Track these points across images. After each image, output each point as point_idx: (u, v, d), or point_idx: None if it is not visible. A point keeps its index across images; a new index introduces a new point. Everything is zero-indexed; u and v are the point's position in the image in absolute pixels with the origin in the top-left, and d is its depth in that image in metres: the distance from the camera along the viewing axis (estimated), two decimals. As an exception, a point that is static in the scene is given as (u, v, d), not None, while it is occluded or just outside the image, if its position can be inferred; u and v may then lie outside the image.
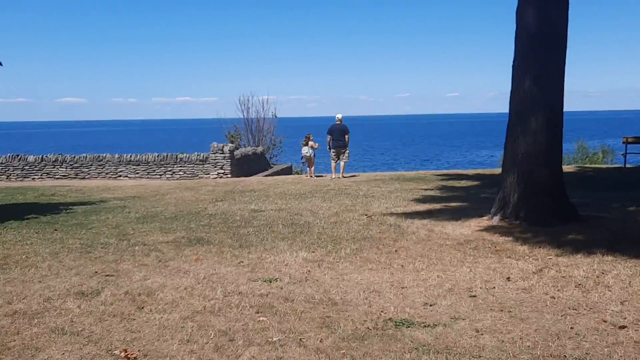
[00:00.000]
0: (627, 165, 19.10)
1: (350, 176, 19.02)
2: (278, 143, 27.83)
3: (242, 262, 7.61)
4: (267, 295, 6.13)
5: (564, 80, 9.58)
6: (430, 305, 5.76)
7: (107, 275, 6.96)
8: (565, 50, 9.52)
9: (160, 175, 21.58)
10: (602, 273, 6.67)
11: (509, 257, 7.55)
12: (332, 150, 18.78)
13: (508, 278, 6.58)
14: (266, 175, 22.37)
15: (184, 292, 6.24)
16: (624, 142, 18.91)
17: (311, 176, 19.29)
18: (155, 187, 17.52)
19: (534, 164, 9.38)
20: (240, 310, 5.65)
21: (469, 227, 9.38)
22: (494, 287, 6.30)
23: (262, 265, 7.40)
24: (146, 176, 21.60)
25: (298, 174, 26.91)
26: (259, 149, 25.10)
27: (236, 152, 22.20)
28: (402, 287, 6.36)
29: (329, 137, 18.79)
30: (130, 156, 21.90)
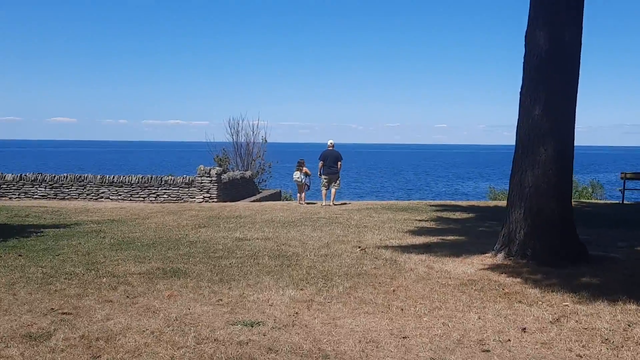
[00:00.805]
0: (625, 202, 18.39)
1: (341, 204, 18.18)
2: (267, 168, 26.98)
3: (221, 300, 6.70)
4: (247, 343, 5.23)
5: (575, 108, 8.84)
6: (438, 362, 4.89)
7: (64, 314, 6.03)
8: (578, 75, 8.79)
9: (144, 198, 20.64)
10: (629, 325, 5.83)
11: (520, 302, 6.70)
12: (323, 176, 17.95)
13: (524, 329, 5.72)
14: (254, 201, 21.48)
15: (149, 337, 5.33)
16: (622, 178, 18.24)
17: (301, 203, 18.44)
18: (137, 210, 16.59)
19: (543, 198, 8.58)
20: (214, 363, 4.75)
21: (472, 265, 8.53)
22: (509, 340, 5.43)
23: (243, 305, 6.49)
24: (129, 198, 20.65)
25: (287, 199, 26.06)
26: (248, 173, 24.24)
27: (223, 176, 21.32)
28: (404, 337, 5.47)
29: (320, 163, 17.98)
30: (113, 177, 20.97)
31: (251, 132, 26.97)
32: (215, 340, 5.29)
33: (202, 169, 20.53)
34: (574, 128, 8.83)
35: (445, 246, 10.13)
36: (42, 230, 12.25)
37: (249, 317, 6.02)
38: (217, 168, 20.93)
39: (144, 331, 5.50)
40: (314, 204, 18.68)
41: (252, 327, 5.70)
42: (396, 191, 58.21)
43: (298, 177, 18.66)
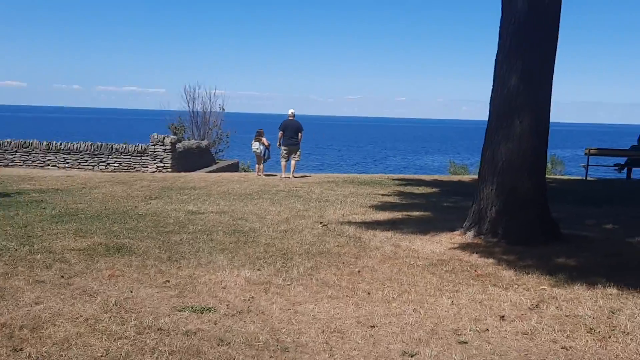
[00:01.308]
0: (589, 178, 18.22)
1: (301, 176, 17.54)
2: (225, 137, 26.07)
3: (169, 281, 6.05)
4: (195, 333, 4.61)
5: (552, 78, 8.35)
6: (411, 357, 4.36)
7: (-14, 297, 5.32)
8: (557, 42, 8.29)
9: (93, 166, 19.68)
10: (613, 313, 5.39)
11: (495, 285, 6.22)
12: (283, 147, 17.27)
13: (502, 317, 5.23)
14: (210, 171, 20.72)
15: (83, 326, 4.66)
16: (586, 154, 18.02)
17: (260, 174, 17.74)
18: (85, 179, 15.69)
19: (517, 174, 8.11)
20: (156, 359, 4.13)
21: (441, 244, 8.03)
22: (487, 330, 4.93)
23: (193, 287, 5.86)
24: (77, 167, 19.66)
25: (245, 170, 25.30)
26: (204, 143, 23.39)
27: (178, 145, 20.47)
28: (372, 326, 4.92)
29: (280, 133, 17.27)
30: (60, 144, 19.91)
31: (208, 101, 26.01)
32: (158, 329, 4.65)
33: (156, 137, 19.64)
34: (550, 99, 8.35)
35: (411, 223, 9.63)
36: (-23, 199, 11.36)
37: (198, 302, 5.39)
38: (172, 137, 20.06)
39: (77, 318, 4.83)
40: (274, 176, 18.02)
41: (202, 313, 5.09)
42: (355, 164, 57.89)
43: (257, 148, 17.90)
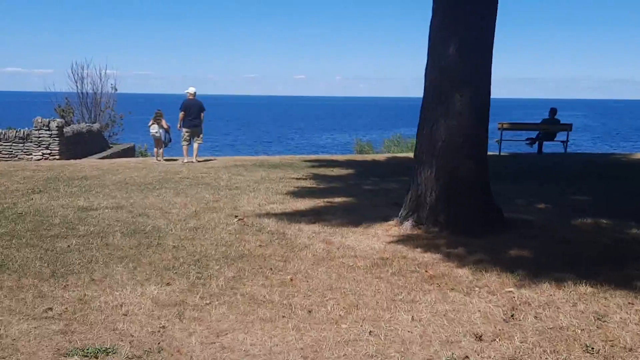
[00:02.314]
0: (502, 153, 17.85)
1: (205, 160, 16.09)
2: (119, 120, 23.94)
3: (52, 309, 4.65)
4: (87, 396, 3.31)
5: (493, 46, 7.46)
6: (387, 411, 3.26)
7: None
8: (497, 7, 7.38)
9: (-32, 155, 17.32)
10: (600, 320, 4.53)
11: (454, 289, 5.24)
12: (185, 130, 15.74)
13: (479, 336, 4.23)
14: (104, 157, 18.81)
15: None
16: (499, 129, 17.62)
17: (159, 160, 16.13)
18: (-45, 171, 13.57)
19: (458, 154, 7.17)
20: None
21: (377, 237, 6.99)
22: (467, 357, 3.92)
23: (84, 317, 4.49)
24: (-51, 156, 17.25)
25: (142, 155, 23.41)
26: (96, 126, 21.33)
27: (66, 129, 18.40)
28: (324, 364, 3.79)
29: (182, 114, 15.72)
30: None
31: (99, 81, 23.73)
32: (33, 394, 3.31)
33: (40, 121, 17.51)
34: (490, 71, 7.46)
35: (336, 211, 8.55)
36: None
37: (91, 339, 4.06)
38: (59, 120, 17.98)
39: None
40: (175, 160, 16.46)
41: (97, 358, 3.77)
42: (255, 144, 56.53)
43: (156, 132, 16.24)
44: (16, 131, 17.61)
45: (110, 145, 22.24)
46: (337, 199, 9.72)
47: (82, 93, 23.68)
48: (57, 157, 17.30)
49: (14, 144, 17.44)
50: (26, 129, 18.10)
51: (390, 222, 7.52)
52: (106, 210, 8.57)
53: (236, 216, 8.17)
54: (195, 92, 15.96)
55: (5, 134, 17.43)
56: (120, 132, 24.20)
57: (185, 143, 15.87)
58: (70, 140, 18.18)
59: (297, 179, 12.26)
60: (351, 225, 7.54)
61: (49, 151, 17.33)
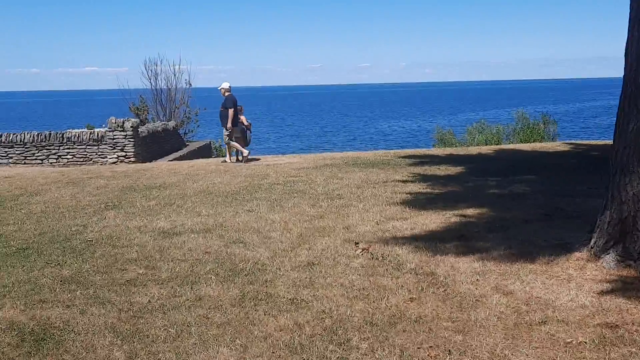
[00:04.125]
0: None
1: (253, 159, 14.34)
2: (194, 116, 22.39)
3: None
4: None
5: None
6: None
7: None
8: None
9: (42, 160, 16.02)
10: None
11: None
12: (235, 128, 14.24)
13: None
14: (180, 157, 17.24)
15: None
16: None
17: (240, 160, 14.37)
18: (27, 180, 12.13)
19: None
20: None
21: (575, 283, 4.79)
22: None
23: None
24: (23, 161, 15.99)
25: (217, 150, 21.78)
26: (171, 124, 19.79)
27: (141, 129, 16.89)
28: None
29: (232, 111, 14.07)
30: (1, 136, 16.18)
31: (172, 76, 22.20)
32: None
33: (114, 121, 16.03)
34: None
35: (483, 232, 6.44)
36: None
37: None
38: (133, 120, 16.45)
39: None
40: (256, 160, 14.69)
41: None
42: (319, 135, 54.72)
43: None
44: (90, 133, 16.19)
45: (186, 143, 20.71)
46: (469, 211, 7.60)
47: (156, 89, 22.21)
48: (133, 159, 15.80)
49: (88, 147, 16.03)
50: (101, 128, 16.71)
51: (577, 254, 5.34)
52: (192, 236, 6.73)
53: (356, 243, 6.17)
54: (230, 87, 14.42)
55: (79, 136, 16.03)
56: (195, 128, 22.64)
57: (233, 142, 14.31)
58: (145, 141, 16.66)
59: (403, 181, 10.20)
60: (521, 258, 5.41)
61: (124, 153, 15.83)
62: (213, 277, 5.22)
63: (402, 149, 18.77)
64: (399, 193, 9.04)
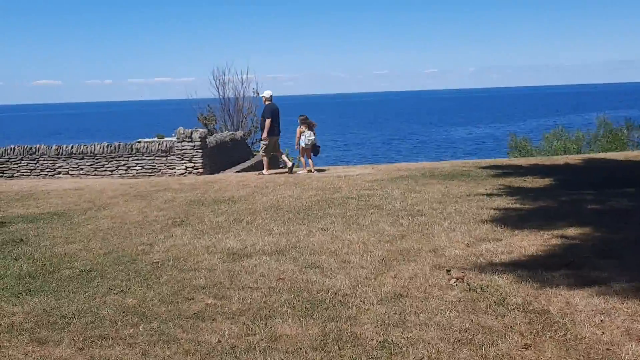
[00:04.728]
0: None
1: (319, 170, 13.85)
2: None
3: None
4: None
5: None
6: None
7: None
8: None
9: (112, 171, 15.93)
10: None
11: None
12: (271, 138, 13.95)
13: None
14: (248, 168, 16.86)
15: None
16: None
17: (311, 171, 13.86)
18: (95, 193, 11.96)
19: None
20: None
21: None
22: None
23: None
24: (93, 173, 15.95)
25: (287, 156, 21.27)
26: (239, 134, 19.49)
27: (209, 139, 16.59)
28: None
29: (269, 121, 13.68)
30: (72, 147, 16.20)
31: (240, 85, 21.97)
32: None
33: (182, 132, 15.79)
34: None
35: (598, 259, 5.57)
36: None
37: None
38: (201, 130, 16.17)
39: None
40: (323, 170, 14.14)
41: None
42: (386, 142, 53.82)
43: (313, 139, 14.04)
44: (158, 144, 16.01)
45: (254, 153, 20.36)
46: (570, 231, 6.76)
47: (223, 98, 22.01)
48: (201, 170, 15.50)
49: (156, 158, 15.84)
50: (170, 137, 16.54)
51: None
52: (264, 258, 6.17)
53: (448, 270, 5.46)
54: (271, 96, 14.13)
55: (148, 147, 15.87)
56: (263, 138, 22.26)
57: (269, 154, 14.07)
58: (213, 151, 16.36)
59: (488, 195, 9.38)
60: (648, 294, 4.59)
61: (192, 164, 15.55)
62: (289, 310, 4.63)
63: (482, 159, 17.79)
64: (486, 209, 8.25)
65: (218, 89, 22.08)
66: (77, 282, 5.69)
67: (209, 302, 4.90)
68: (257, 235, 7.29)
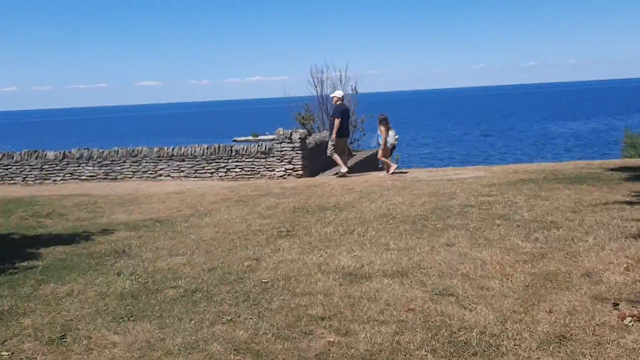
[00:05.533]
0: None
1: (400, 172, 13.07)
2: (360, 124, 21.29)
3: None
4: None
5: None
6: None
7: None
8: None
9: (212, 173, 15.67)
10: None
11: None
12: (342, 139, 14.01)
13: None
14: (348, 169, 16.14)
15: None
16: None
17: (392, 172, 13.35)
18: (196, 197, 11.62)
19: None
20: None
21: None
22: None
23: None
24: (193, 175, 15.75)
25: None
26: (337, 133, 18.78)
27: (309, 140, 16.04)
28: None
29: (338, 121, 13.72)
30: (173, 150, 16.07)
31: (339, 83, 21.22)
32: None
33: (282, 132, 15.29)
34: None
35: None
36: (42, 250, 7.56)
37: None
38: (301, 130, 15.62)
39: None
40: (404, 172, 13.20)
41: None
42: (476, 141, 51.66)
43: (396, 139, 13.97)
44: (258, 146, 15.61)
45: (353, 153, 19.65)
46: None
47: (321, 97, 21.39)
48: (300, 171, 14.96)
49: (256, 159, 15.43)
50: (263, 135, 16.13)
51: None
52: (385, 281, 5.40)
53: (615, 304, 4.48)
54: (343, 96, 14.28)
55: (247, 149, 15.49)
56: (362, 137, 21.52)
57: (340, 154, 13.97)
58: (313, 152, 15.78)
59: (628, 203, 8.19)
60: None
61: (291, 166, 15.03)
62: (429, 356, 3.83)
63: (605, 160, 16.24)
64: (632, 220, 7.12)
65: (316, 87, 21.47)
66: (182, 305, 5.14)
67: (331, 339, 4.18)
68: (373, 250, 6.53)
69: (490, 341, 3.99)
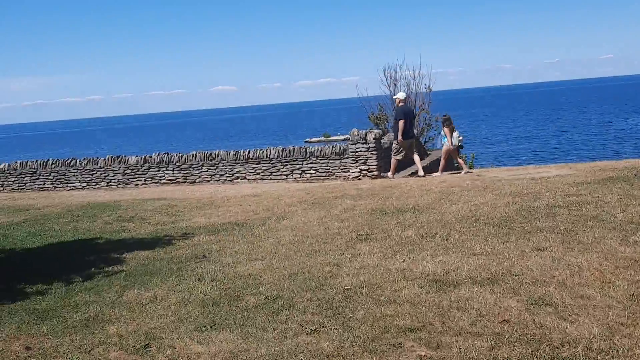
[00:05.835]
0: None
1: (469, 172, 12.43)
2: (434, 123, 20.78)
3: None
4: None
5: None
6: None
7: None
8: None
9: (287, 175, 15.62)
10: None
11: None
12: (405, 141, 13.81)
13: None
14: (424, 169, 15.73)
15: None
16: None
17: (467, 172, 12.95)
18: (273, 199, 11.55)
19: None
20: None
21: None
22: None
23: None
24: (268, 177, 15.74)
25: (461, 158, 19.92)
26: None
27: (384, 140, 15.72)
28: None
29: (402, 122, 13.63)
30: (249, 152, 16.11)
31: (412, 81, 20.80)
32: None
33: (356, 133, 15.05)
34: None
35: None
36: (126, 255, 7.67)
37: None
38: (376, 131, 15.32)
39: None
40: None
41: None
42: (551, 137, 49.63)
43: (460, 140, 13.87)
44: (332, 147, 15.43)
45: (428, 152, 19.20)
46: None
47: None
48: (375, 172, 14.68)
49: (330, 161, 15.27)
50: (335, 136, 15.93)
51: None
52: (475, 289, 5.08)
53: None
54: (406, 97, 14.35)
55: (321, 151, 15.34)
56: (436, 136, 21.01)
57: (400, 157, 13.94)
58: (387, 153, 15.46)
59: None
60: None
61: (366, 167, 14.77)
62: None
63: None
64: None
65: (389, 86, 21.11)
66: (264, 313, 5.00)
67: (422, 353, 3.93)
68: (458, 255, 6.21)
69: (599, 358, 3.62)
